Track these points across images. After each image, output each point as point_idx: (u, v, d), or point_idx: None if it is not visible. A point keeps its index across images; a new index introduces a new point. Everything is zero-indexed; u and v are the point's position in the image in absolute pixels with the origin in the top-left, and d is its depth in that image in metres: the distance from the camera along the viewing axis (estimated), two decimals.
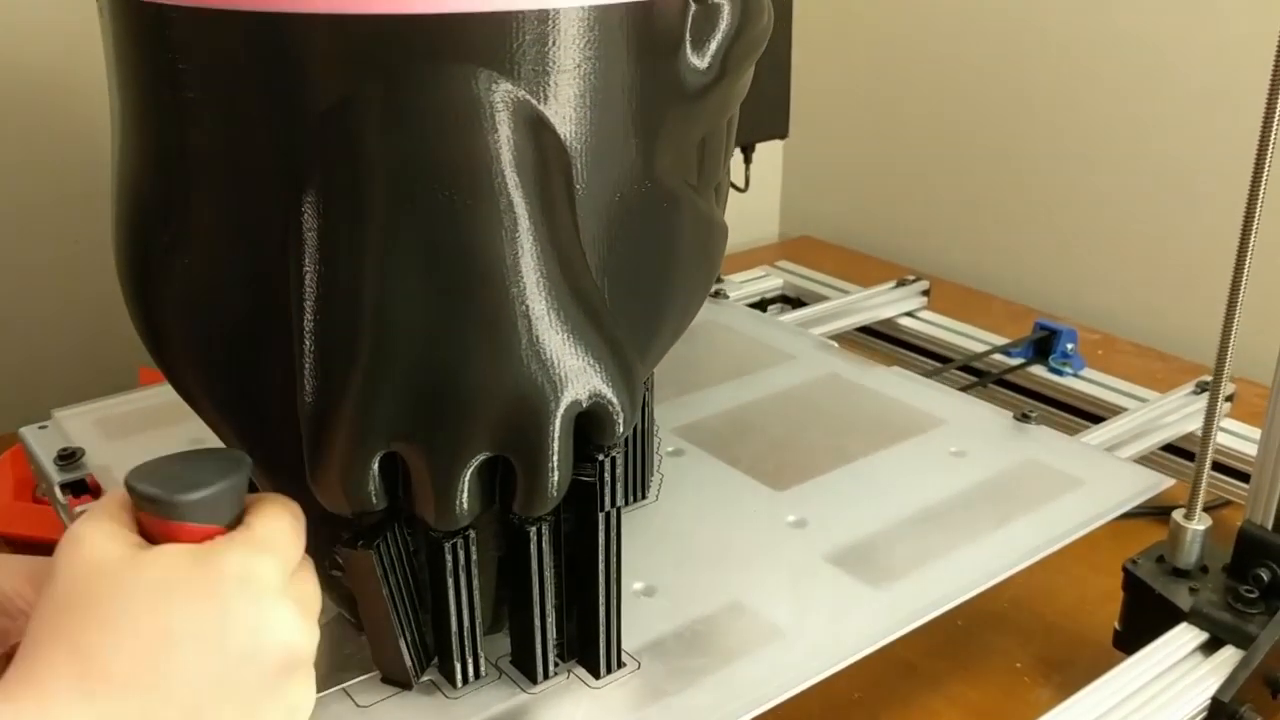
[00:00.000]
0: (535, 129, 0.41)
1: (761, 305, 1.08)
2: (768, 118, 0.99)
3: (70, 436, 0.71)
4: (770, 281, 1.10)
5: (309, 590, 0.41)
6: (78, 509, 0.66)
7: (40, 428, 0.73)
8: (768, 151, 1.11)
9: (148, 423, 0.73)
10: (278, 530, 0.39)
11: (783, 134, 1.01)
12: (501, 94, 0.41)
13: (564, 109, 0.42)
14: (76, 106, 0.93)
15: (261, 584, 0.37)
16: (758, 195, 1.21)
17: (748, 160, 1.01)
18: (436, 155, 0.40)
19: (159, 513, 0.38)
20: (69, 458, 0.68)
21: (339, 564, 0.46)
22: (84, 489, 0.68)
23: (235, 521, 0.40)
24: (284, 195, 0.41)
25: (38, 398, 0.80)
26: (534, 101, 0.41)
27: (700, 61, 0.47)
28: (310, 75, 0.40)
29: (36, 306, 0.97)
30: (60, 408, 0.75)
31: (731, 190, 1.01)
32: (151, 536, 0.39)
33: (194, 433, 0.69)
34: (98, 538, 0.38)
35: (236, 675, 0.37)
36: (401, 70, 0.40)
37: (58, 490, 0.67)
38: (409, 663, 0.48)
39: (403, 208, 0.40)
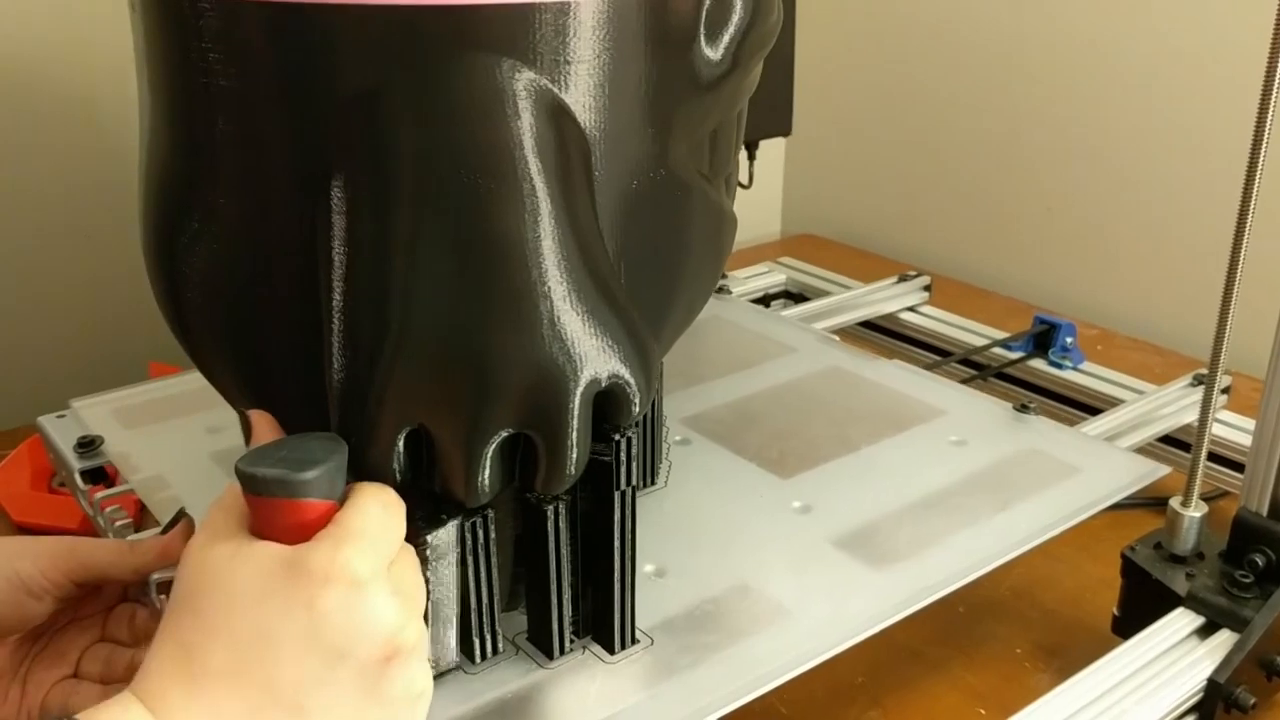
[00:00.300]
0: (556, 116, 0.43)
1: (765, 301, 1.09)
2: (771, 115, 0.99)
3: (88, 425, 0.72)
4: (773, 277, 1.11)
5: (409, 577, 0.41)
6: (97, 496, 0.67)
7: (58, 417, 0.74)
8: (771, 149, 1.12)
9: (163, 412, 0.74)
10: (368, 520, 0.39)
11: (786, 131, 1.01)
12: (524, 82, 0.42)
13: (583, 97, 0.44)
14: (89, 98, 0.94)
15: (350, 578, 0.38)
16: (760, 192, 1.22)
17: (751, 157, 1.02)
18: (461, 141, 0.42)
19: (281, 493, 0.39)
20: (88, 445, 0.69)
21: None
22: (102, 476, 0.69)
23: (343, 500, 0.41)
24: (312, 180, 0.43)
25: (52, 390, 0.81)
26: (555, 90, 0.43)
27: (714, 53, 0.48)
28: (338, 64, 0.42)
29: (49, 300, 0.98)
30: (78, 398, 0.76)
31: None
32: (266, 522, 0.39)
33: (210, 421, 0.71)
34: (205, 537, 0.39)
35: (337, 671, 0.37)
36: (427, 59, 0.41)
37: (77, 477, 0.68)
38: (458, 642, 0.49)
39: (428, 192, 0.42)
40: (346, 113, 0.42)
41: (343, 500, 0.41)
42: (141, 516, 0.66)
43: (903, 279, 1.04)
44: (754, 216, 1.42)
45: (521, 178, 0.42)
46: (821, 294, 1.05)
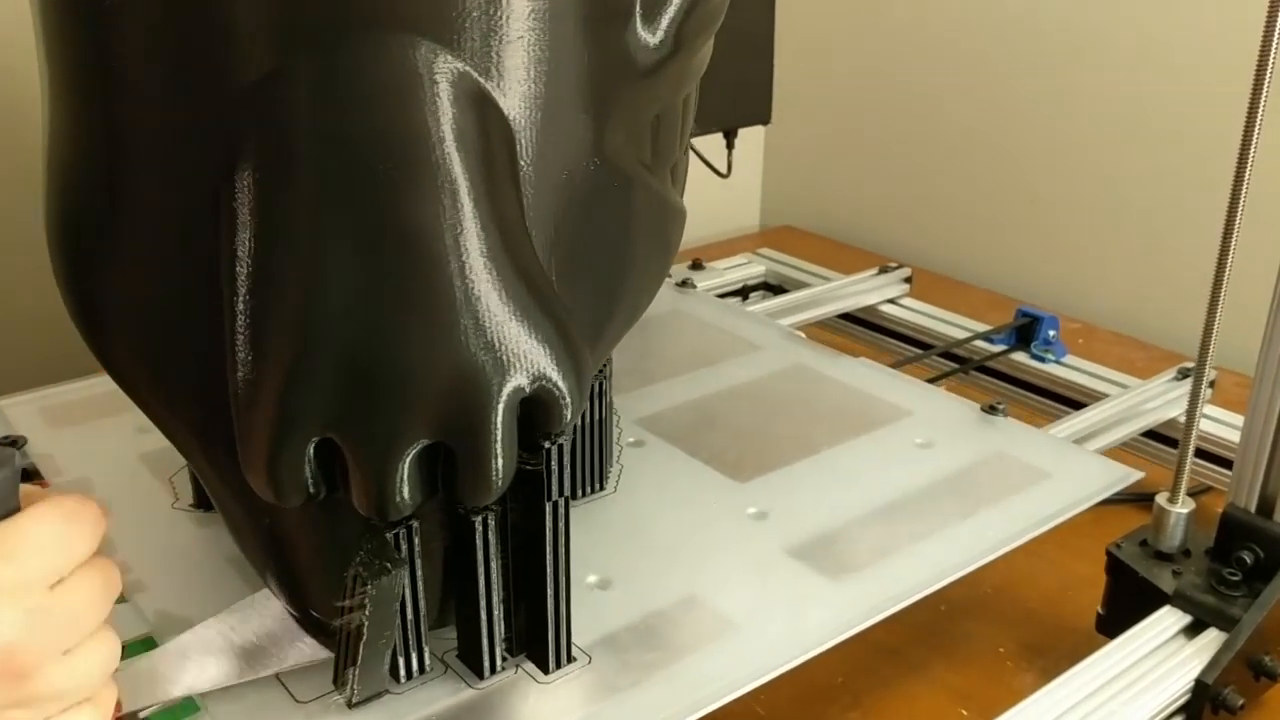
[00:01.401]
0: (477, 103, 0.40)
1: (743, 292, 1.07)
2: (750, 103, 0.97)
3: (12, 424, 0.70)
4: (752, 268, 1.08)
5: (68, 603, 0.37)
6: None
7: None
8: (750, 138, 1.10)
9: (94, 411, 0.71)
10: (26, 533, 0.36)
11: (765, 119, 0.99)
12: (442, 66, 0.39)
13: (508, 82, 0.41)
14: (6, 86, 0.91)
15: None
16: (739, 183, 1.20)
17: (729, 146, 1.00)
18: (372, 129, 0.39)
19: None
20: (10, 446, 0.66)
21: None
22: (28, 478, 0.67)
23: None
24: (216, 170, 0.40)
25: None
26: (476, 74, 0.40)
27: (652, 36, 0.45)
28: (241, 44, 0.39)
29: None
30: (2, 395, 0.73)
31: (713, 177, 1.00)
32: None
33: (140, 420, 0.67)
34: None
35: None
36: (335, 40, 0.38)
37: None
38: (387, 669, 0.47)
39: (337, 183, 0.39)
40: (250, 98, 0.39)
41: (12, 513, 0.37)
42: None
43: (883, 271, 1.02)
44: (733, 207, 1.40)
45: (438, 168, 0.39)
46: (801, 286, 1.03)
